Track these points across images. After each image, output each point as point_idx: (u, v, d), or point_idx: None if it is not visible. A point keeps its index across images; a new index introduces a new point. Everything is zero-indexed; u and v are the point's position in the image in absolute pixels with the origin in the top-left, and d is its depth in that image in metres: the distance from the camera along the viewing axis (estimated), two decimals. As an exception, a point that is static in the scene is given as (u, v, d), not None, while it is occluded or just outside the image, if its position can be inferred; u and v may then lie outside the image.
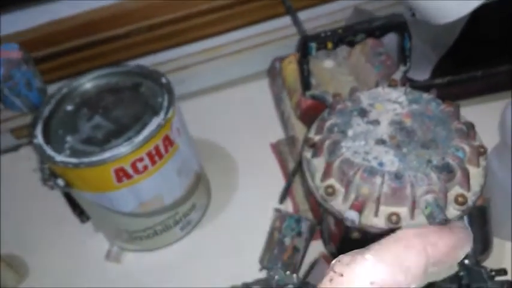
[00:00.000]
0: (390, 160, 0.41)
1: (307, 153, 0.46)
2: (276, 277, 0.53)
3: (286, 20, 0.81)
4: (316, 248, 0.58)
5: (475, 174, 0.42)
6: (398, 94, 0.47)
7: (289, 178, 0.60)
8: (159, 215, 0.60)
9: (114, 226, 0.62)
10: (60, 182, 0.55)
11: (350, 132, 0.44)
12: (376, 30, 0.51)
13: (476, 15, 0.63)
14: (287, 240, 0.53)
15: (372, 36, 0.52)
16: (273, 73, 0.70)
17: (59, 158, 0.53)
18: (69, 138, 0.55)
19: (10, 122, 0.81)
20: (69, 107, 0.59)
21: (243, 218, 0.66)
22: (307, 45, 0.50)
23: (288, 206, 0.65)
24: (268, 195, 0.67)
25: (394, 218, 0.39)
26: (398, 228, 0.38)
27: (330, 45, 0.50)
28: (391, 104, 0.46)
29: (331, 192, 0.42)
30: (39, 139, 0.55)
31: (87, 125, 0.57)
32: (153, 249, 0.64)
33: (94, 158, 0.52)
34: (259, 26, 0.81)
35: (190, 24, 0.78)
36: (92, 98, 0.60)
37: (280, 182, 0.68)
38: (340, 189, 0.42)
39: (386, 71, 0.58)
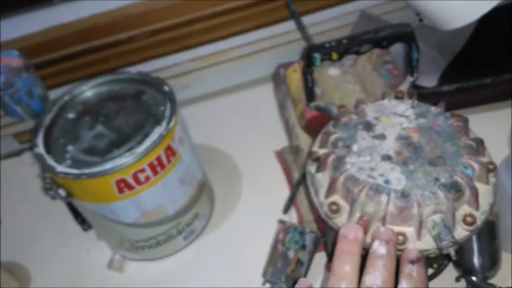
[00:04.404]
0: (396, 177, 0.40)
1: (311, 167, 0.45)
2: (279, 291, 0.52)
3: (291, 24, 0.80)
4: (320, 260, 0.57)
5: (484, 192, 0.41)
6: (405, 107, 0.46)
7: (293, 189, 0.59)
8: (162, 225, 0.60)
9: (116, 236, 0.61)
10: (62, 192, 0.54)
11: (355, 147, 0.43)
12: (383, 40, 0.50)
13: (485, 21, 0.62)
14: (291, 253, 0.52)
15: (378, 47, 0.50)
16: (278, 80, 0.69)
17: (60, 168, 0.52)
18: (70, 148, 0.55)
19: (13, 127, 0.80)
20: (71, 115, 0.58)
21: (246, 227, 0.66)
22: (311, 56, 0.49)
23: (292, 215, 0.64)
24: (272, 204, 0.66)
25: (400, 238, 0.38)
26: (404, 249, 0.37)
27: (334, 56, 0.49)
28: (397, 117, 0.45)
29: (335, 209, 0.41)
30: (40, 148, 0.54)
31: (89, 134, 0.56)
32: (156, 258, 0.64)
33: (95, 169, 0.51)
34: (264, 30, 0.80)
35: (194, 29, 0.77)
36: (93, 105, 0.59)
37: (284, 190, 0.67)
38: (344, 206, 0.41)
39: (393, 80, 0.57)
